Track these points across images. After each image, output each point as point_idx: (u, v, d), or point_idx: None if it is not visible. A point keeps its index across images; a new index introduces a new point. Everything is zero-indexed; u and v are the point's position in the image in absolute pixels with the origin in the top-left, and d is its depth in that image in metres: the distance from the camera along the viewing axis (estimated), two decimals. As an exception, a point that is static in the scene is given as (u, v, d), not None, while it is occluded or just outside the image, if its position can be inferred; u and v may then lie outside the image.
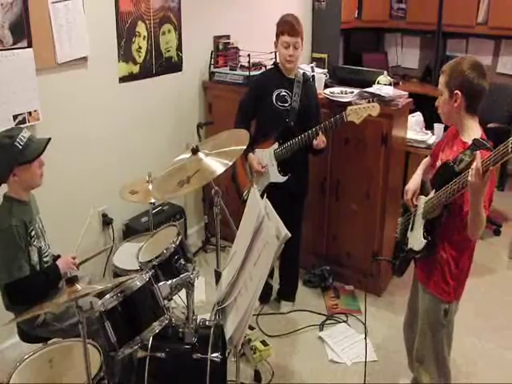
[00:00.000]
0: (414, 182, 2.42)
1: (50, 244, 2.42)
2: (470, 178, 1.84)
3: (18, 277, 2.14)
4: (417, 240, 2.27)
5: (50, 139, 2.25)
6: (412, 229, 2.35)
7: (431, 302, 2.29)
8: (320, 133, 2.95)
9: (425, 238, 2.20)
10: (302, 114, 3.07)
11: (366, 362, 2.57)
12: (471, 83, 2.07)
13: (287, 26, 2.97)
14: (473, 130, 2.12)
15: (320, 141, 2.97)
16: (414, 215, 2.35)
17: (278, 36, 3.02)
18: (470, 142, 2.05)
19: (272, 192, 3.02)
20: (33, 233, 2.24)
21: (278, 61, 3.16)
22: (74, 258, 2.35)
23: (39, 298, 2.10)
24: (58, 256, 2.43)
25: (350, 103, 3.23)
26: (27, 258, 2.20)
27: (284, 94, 3.07)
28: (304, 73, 3.21)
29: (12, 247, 2.15)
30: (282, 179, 3.12)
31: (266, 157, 3.13)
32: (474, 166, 1.82)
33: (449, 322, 2.29)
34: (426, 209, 2.23)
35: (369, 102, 3.09)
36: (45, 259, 2.31)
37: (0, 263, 2.15)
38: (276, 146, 3.10)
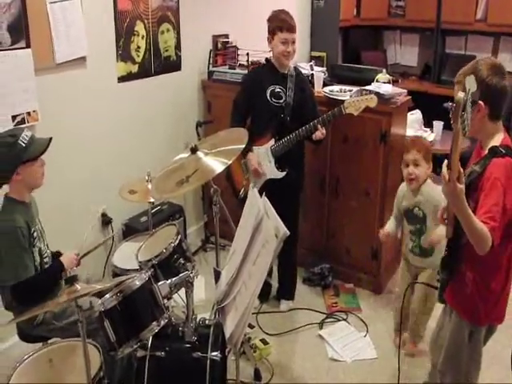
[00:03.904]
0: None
1: (49, 244, 2.43)
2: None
3: (25, 277, 2.15)
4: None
5: (51, 138, 2.26)
6: None
7: (456, 321, 2.11)
8: (319, 126, 2.96)
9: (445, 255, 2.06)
10: (297, 108, 3.08)
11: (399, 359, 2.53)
12: (495, 89, 1.85)
13: (285, 23, 3.00)
14: (493, 138, 1.94)
15: (319, 133, 2.99)
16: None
17: (273, 32, 3.02)
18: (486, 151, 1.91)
19: (267, 187, 3.03)
20: (35, 234, 2.26)
21: (270, 57, 3.16)
22: (77, 255, 2.38)
23: (47, 295, 2.11)
24: (57, 252, 2.45)
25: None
26: (32, 259, 2.22)
27: (278, 90, 3.07)
28: (295, 67, 3.23)
29: (17, 248, 2.16)
30: (280, 175, 3.12)
31: (262, 154, 3.13)
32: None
33: (475, 346, 2.10)
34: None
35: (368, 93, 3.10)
36: (45, 260, 2.32)
37: (6, 265, 2.16)
38: (272, 142, 3.10)
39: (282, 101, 3.07)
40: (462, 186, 1.70)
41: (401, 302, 2.76)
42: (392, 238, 2.95)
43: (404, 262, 2.99)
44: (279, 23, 3.01)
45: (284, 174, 3.12)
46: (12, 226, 2.15)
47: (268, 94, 3.07)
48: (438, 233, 2.54)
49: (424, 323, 2.93)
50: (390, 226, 2.93)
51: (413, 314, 2.92)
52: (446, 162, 1.72)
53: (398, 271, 3.07)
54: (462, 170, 1.70)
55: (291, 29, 3.00)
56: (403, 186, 2.90)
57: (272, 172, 3.13)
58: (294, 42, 3.03)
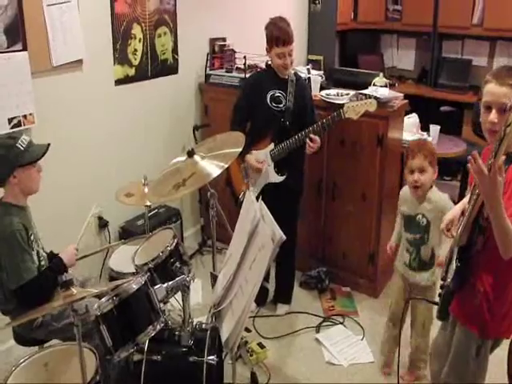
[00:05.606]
0: (453, 211, 2.19)
1: (46, 247, 2.44)
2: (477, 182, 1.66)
3: (28, 279, 2.15)
4: (452, 271, 2.01)
5: (49, 144, 2.28)
6: (450, 263, 2.04)
7: (462, 334, 2.05)
8: (312, 136, 2.96)
9: (456, 264, 1.96)
10: (297, 113, 3.08)
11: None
12: None
13: (280, 36, 2.93)
14: None
15: (314, 145, 2.99)
16: (453, 248, 2.03)
17: (270, 44, 2.98)
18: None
19: (268, 192, 3.03)
20: (32, 237, 2.26)
21: (270, 61, 3.15)
22: (76, 250, 2.43)
23: (51, 295, 2.12)
24: (51, 253, 2.46)
25: (346, 105, 3.23)
26: (33, 260, 2.22)
27: (278, 94, 3.07)
28: (295, 72, 3.23)
29: (18, 251, 2.16)
30: (279, 179, 3.12)
31: (262, 157, 3.12)
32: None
33: (482, 360, 2.04)
34: (458, 234, 1.95)
35: (366, 97, 3.10)
36: (41, 263, 2.32)
37: (9, 268, 2.16)
38: (272, 146, 3.10)
39: (282, 105, 3.07)
40: (501, 179, 1.61)
41: (393, 330, 2.78)
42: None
43: (399, 280, 2.78)
44: (275, 35, 2.94)
45: (283, 178, 3.12)
46: (10, 230, 2.15)
47: (268, 99, 3.06)
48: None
49: (427, 346, 2.75)
50: (395, 237, 2.80)
51: (415, 346, 2.79)
52: (475, 152, 1.63)
53: (392, 287, 2.94)
54: (501, 162, 1.61)
55: (287, 42, 2.94)
56: (405, 191, 2.71)
57: (271, 176, 3.13)
58: (290, 54, 2.99)
